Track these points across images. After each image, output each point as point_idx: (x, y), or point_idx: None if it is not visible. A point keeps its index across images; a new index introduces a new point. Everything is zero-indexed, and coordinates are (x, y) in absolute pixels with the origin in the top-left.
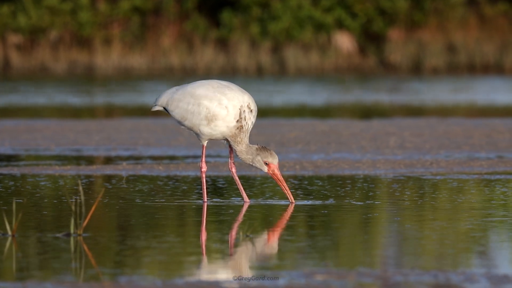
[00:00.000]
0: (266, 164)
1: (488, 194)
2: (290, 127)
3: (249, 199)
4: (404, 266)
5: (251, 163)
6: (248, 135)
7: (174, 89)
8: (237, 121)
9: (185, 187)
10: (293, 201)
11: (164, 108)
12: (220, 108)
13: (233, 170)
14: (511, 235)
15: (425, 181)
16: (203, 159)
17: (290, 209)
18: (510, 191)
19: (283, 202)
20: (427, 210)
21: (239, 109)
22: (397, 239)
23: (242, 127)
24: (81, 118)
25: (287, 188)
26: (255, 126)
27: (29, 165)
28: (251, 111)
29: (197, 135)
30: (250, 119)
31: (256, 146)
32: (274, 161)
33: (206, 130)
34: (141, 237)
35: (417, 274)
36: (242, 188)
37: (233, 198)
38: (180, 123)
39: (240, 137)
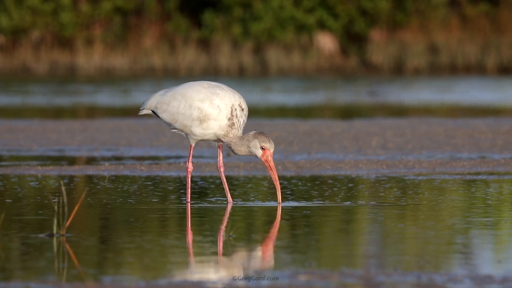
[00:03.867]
0: (262, 149)
1: (470, 194)
2: (272, 127)
3: (232, 199)
4: (387, 267)
5: (247, 153)
6: (241, 131)
7: (162, 91)
8: (229, 119)
9: (168, 188)
10: (280, 196)
11: (153, 111)
12: (212, 108)
13: (222, 169)
14: (493, 235)
15: (407, 182)
16: (190, 159)
17: (273, 209)
18: (492, 191)
19: (266, 203)
20: (409, 210)
21: (231, 107)
22: (380, 239)
23: (234, 124)
24: (63, 118)
25: (277, 179)
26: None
27: (11, 165)
28: (242, 110)
29: (187, 136)
30: (242, 117)
31: (254, 132)
32: (270, 147)
33: (198, 130)
34: (124, 237)
35: (400, 274)
36: (227, 189)
37: (216, 199)
38: (170, 125)
39: (232, 133)
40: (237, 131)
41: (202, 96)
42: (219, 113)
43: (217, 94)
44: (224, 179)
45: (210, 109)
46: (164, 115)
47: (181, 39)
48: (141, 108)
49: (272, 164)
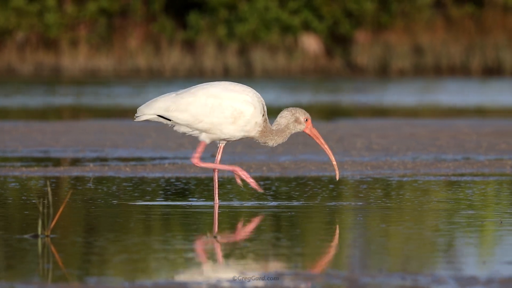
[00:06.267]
0: (306, 120)
1: (455, 195)
2: None
3: (213, 200)
4: (371, 268)
5: (286, 138)
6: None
7: (170, 96)
8: (263, 115)
9: (152, 189)
10: (336, 168)
11: (159, 115)
12: (247, 105)
13: (216, 171)
14: (478, 236)
15: (392, 183)
16: (198, 155)
17: (257, 210)
18: (476, 193)
19: (250, 204)
20: (394, 211)
21: (262, 103)
22: (364, 240)
23: (266, 119)
24: (48, 119)
25: (328, 148)
26: None
27: None
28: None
29: (207, 134)
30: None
31: (286, 111)
32: (309, 117)
33: (230, 129)
34: (109, 238)
35: (384, 275)
36: (217, 190)
37: (199, 200)
38: (188, 126)
39: (266, 130)
40: (269, 126)
41: (233, 95)
42: (255, 110)
43: (247, 92)
44: (216, 180)
45: (244, 107)
46: (182, 116)
47: (166, 40)
48: (138, 115)
49: (318, 133)
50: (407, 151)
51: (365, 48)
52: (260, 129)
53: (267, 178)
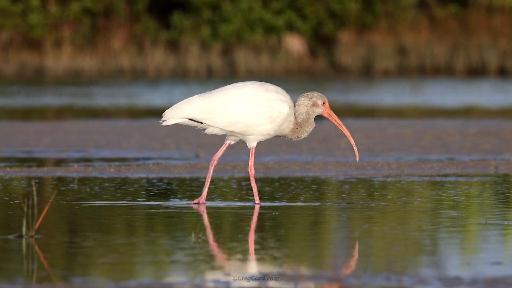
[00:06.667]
0: (323, 104)
1: (439, 196)
2: None
3: (199, 200)
4: (356, 268)
5: (313, 122)
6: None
7: (199, 98)
8: (294, 113)
9: (137, 189)
10: (356, 150)
11: (190, 119)
12: (283, 105)
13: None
14: (462, 237)
15: (376, 183)
16: (253, 162)
17: (243, 210)
18: (460, 193)
19: (234, 204)
20: (378, 212)
21: (292, 101)
22: (349, 241)
23: (296, 118)
24: (32, 120)
25: (347, 130)
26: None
27: None
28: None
29: (246, 138)
30: None
31: (303, 97)
32: (326, 99)
33: (267, 129)
34: (94, 238)
35: (369, 276)
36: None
37: (184, 200)
38: (222, 129)
39: (296, 125)
40: (297, 121)
41: (270, 95)
42: (290, 109)
43: (280, 91)
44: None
45: (282, 107)
46: (218, 119)
47: (149, 40)
48: (165, 119)
49: (336, 116)
50: (391, 152)
51: (349, 49)
52: (292, 126)
53: None
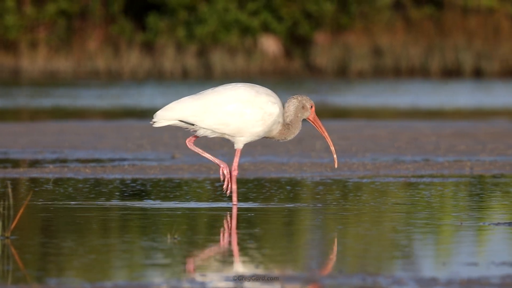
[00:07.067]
0: (311, 107)
1: (414, 196)
2: None
3: (176, 201)
4: (331, 269)
5: (301, 125)
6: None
7: (190, 100)
8: (283, 114)
9: (112, 190)
10: (335, 157)
11: (181, 120)
12: (273, 106)
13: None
14: (437, 237)
15: (351, 184)
16: (237, 164)
17: (217, 211)
18: (436, 194)
19: (210, 205)
20: (353, 213)
21: (282, 104)
22: (324, 242)
23: (285, 119)
24: (7, 121)
25: (328, 137)
26: (180, 129)
27: None
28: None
29: (236, 139)
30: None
31: (292, 99)
32: (313, 104)
33: (258, 130)
34: (69, 239)
35: (345, 277)
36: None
37: (159, 201)
38: (214, 131)
39: (284, 127)
40: (285, 122)
41: (260, 97)
42: (280, 111)
43: (270, 92)
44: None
45: (273, 109)
46: (209, 121)
47: (125, 42)
48: (156, 120)
49: (319, 121)
50: (367, 153)
51: (324, 50)
52: (280, 128)
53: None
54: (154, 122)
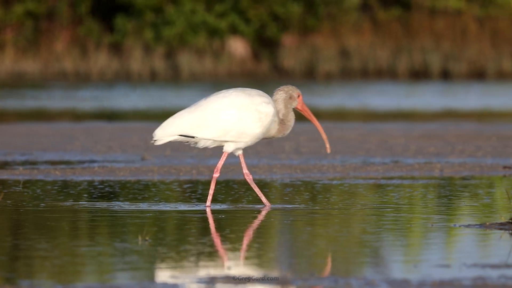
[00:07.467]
0: (298, 96)
1: (384, 198)
2: None
3: (146, 203)
4: (303, 271)
5: (293, 115)
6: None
7: (186, 113)
8: (277, 113)
9: (82, 192)
10: (327, 142)
11: (182, 135)
12: (268, 106)
13: (250, 177)
14: (408, 240)
15: (321, 186)
16: (220, 166)
17: (187, 213)
18: (406, 196)
19: (180, 207)
20: (323, 214)
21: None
22: (295, 244)
23: (278, 115)
24: None
25: (319, 125)
26: (150, 131)
27: None
28: None
29: (232, 144)
30: None
31: (279, 92)
32: (300, 93)
33: (257, 133)
34: (40, 241)
35: (316, 279)
36: (261, 193)
37: (129, 203)
38: (216, 139)
39: (282, 124)
40: (280, 119)
41: (254, 100)
42: (274, 110)
43: (262, 93)
44: (255, 186)
45: (268, 109)
46: (209, 131)
47: (93, 43)
48: (156, 138)
49: (308, 109)
50: (336, 154)
51: (292, 51)
52: (277, 126)
53: (197, 181)
54: (155, 140)
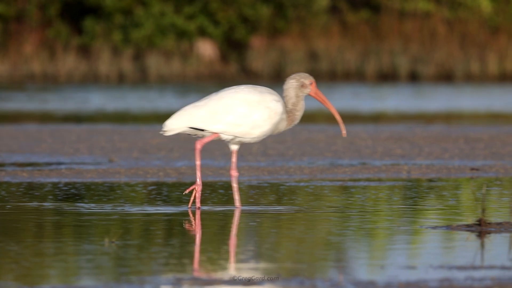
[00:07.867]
0: (310, 84)
1: (351, 200)
2: (152, 134)
3: (113, 205)
4: (270, 273)
5: (303, 105)
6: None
7: (197, 106)
8: (285, 109)
9: (49, 194)
10: (342, 126)
11: (191, 127)
12: (277, 104)
13: (235, 175)
14: (374, 241)
15: (288, 188)
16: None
17: (153, 215)
18: (373, 197)
19: (147, 209)
20: (290, 216)
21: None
22: (260, 245)
23: (287, 104)
24: None
25: (334, 109)
26: (117, 132)
27: None
28: None
29: (244, 140)
30: None
31: (290, 80)
32: (313, 79)
33: (267, 128)
34: (6, 243)
35: (283, 280)
36: (237, 195)
37: (95, 205)
38: (225, 133)
39: (290, 115)
40: (287, 110)
41: (264, 96)
42: (283, 108)
43: (271, 90)
44: (235, 185)
45: (277, 107)
46: (220, 125)
47: (61, 45)
48: (167, 129)
49: (322, 95)
50: (303, 156)
51: (260, 53)
52: (286, 122)
53: (164, 183)
54: (165, 131)
